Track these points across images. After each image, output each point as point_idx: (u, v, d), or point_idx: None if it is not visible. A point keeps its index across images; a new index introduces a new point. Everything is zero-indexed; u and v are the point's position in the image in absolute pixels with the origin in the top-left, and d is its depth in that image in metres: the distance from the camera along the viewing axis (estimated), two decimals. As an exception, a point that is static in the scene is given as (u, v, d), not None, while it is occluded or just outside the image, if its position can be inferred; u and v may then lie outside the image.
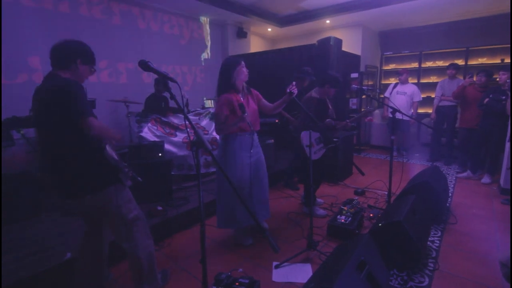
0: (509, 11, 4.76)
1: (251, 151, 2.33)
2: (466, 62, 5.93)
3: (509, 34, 4.84)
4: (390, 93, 5.30)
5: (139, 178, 1.76)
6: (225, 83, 2.26)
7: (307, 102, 2.88)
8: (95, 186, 1.56)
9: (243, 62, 2.28)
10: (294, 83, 2.18)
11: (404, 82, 5.27)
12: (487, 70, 4.17)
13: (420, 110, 6.54)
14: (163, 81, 1.28)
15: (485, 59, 5.80)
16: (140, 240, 1.72)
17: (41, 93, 1.48)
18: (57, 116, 1.45)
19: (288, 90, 2.14)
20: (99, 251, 1.82)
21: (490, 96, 3.76)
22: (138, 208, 1.76)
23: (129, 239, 1.70)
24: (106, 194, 1.59)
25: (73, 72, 1.56)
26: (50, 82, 1.50)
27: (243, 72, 2.27)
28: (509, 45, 5.03)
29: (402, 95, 5.15)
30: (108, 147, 1.53)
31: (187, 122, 1.26)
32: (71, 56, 1.55)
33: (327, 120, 2.91)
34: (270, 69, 5.59)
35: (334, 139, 2.99)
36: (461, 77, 5.40)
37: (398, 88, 5.29)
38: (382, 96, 6.14)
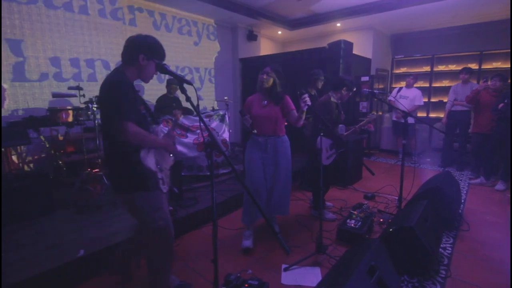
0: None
1: (264, 155, 2.42)
2: (480, 66, 5.83)
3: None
4: (394, 97, 5.31)
5: (175, 189, 1.77)
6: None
7: (326, 106, 2.86)
8: (124, 188, 1.57)
9: (264, 69, 2.39)
10: (306, 95, 2.15)
11: (409, 86, 5.30)
12: (502, 75, 4.08)
13: (432, 115, 6.46)
14: (179, 83, 1.30)
15: (499, 63, 5.69)
16: (157, 252, 1.69)
17: (102, 84, 1.49)
18: (102, 109, 1.48)
19: (301, 103, 2.15)
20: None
21: (505, 101, 3.68)
22: (165, 218, 1.66)
23: (148, 246, 1.70)
24: (132, 198, 1.58)
25: (136, 69, 1.52)
26: (109, 75, 1.50)
27: (259, 79, 2.40)
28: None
29: (404, 99, 5.18)
30: (143, 153, 1.48)
31: (201, 124, 1.27)
32: (134, 51, 1.49)
33: (340, 126, 2.90)
34: (280, 72, 5.59)
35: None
36: (475, 82, 5.31)
37: (402, 92, 5.35)
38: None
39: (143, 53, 1.49)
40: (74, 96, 3.39)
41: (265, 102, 2.40)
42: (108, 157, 1.59)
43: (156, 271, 1.74)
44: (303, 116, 2.29)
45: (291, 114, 2.40)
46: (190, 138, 3.81)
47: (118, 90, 1.41)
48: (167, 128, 3.75)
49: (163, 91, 4.45)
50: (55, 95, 3.42)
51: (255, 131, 2.43)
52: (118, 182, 1.58)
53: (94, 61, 4.31)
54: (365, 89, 3.02)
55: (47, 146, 3.48)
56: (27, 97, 3.68)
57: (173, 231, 1.71)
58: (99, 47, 4.34)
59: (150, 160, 1.49)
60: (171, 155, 1.71)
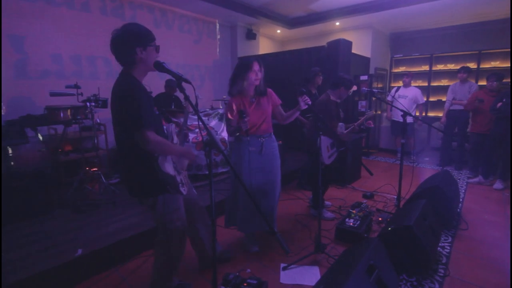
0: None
1: (257, 158, 2.22)
2: (478, 65, 5.83)
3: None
4: (393, 96, 5.30)
5: (194, 191, 1.91)
6: (233, 86, 2.21)
7: (327, 105, 2.85)
8: (144, 194, 1.57)
9: (254, 64, 2.11)
10: (305, 97, 2.09)
11: (407, 85, 5.31)
12: (497, 74, 4.08)
13: (430, 114, 6.47)
14: (177, 82, 1.29)
15: (498, 62, 5.69)
16: (169, 252, 1.70)
17: (112, 91, 1.45)
18: (117, 118, 1.44)
19: (301, 102, 2.09)
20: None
21: (503, 100, 3.69)
22: (182, 219, 1.68)
23: (161, 245, 1.71)
24: (152, 202, 1.59)
25: (141, 64, 1.45)
26: (118, 81, 1.45)
27: (251, 77, 2.13)
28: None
29: (403, 99, 5.18)
30: (161, 159, 1.47)
31: (200, 123, 1.26)
32: (128, 49, 1.40)
33: (340, 124, 2.89)
34: (279, 71, 5.59)
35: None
36: (473, 81, 5.32)
37: (400, 91, 5.35)
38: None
39: (137, 46, 1.41)
40: (73, 94, 3.37)
41: (253, 99, 2.24)
42: (125, 164, 1.55)
43: (163, 271, 1.73)
44: (296, 114, 2.23)
45: (279, 109, 2.31)
46: (189, 137, 3.80)
47: (133, 98, 1.37)
48: (165, 127, 3.75)
49: (161, 87, 4.44)
50: (53, 93, 3.40)
51: (249, 138, 2.18)
52: (138, 188, 1.56)
53: (96, 58, 4.31)
54: (364, 88, 3.01)
55: (45, 145, 3.46)
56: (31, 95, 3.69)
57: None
58: (100, 44, 4.31)
59: (168, 165, 1.50)
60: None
